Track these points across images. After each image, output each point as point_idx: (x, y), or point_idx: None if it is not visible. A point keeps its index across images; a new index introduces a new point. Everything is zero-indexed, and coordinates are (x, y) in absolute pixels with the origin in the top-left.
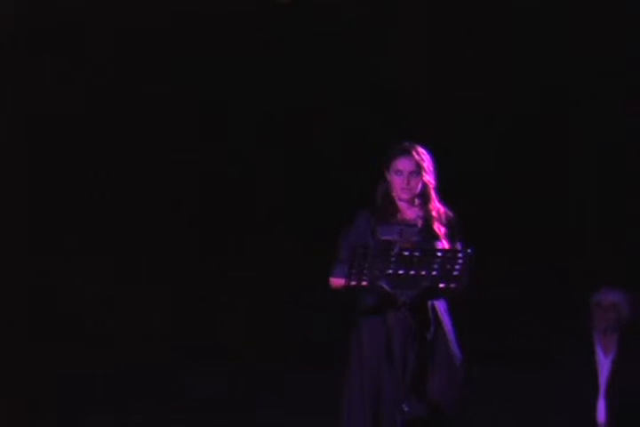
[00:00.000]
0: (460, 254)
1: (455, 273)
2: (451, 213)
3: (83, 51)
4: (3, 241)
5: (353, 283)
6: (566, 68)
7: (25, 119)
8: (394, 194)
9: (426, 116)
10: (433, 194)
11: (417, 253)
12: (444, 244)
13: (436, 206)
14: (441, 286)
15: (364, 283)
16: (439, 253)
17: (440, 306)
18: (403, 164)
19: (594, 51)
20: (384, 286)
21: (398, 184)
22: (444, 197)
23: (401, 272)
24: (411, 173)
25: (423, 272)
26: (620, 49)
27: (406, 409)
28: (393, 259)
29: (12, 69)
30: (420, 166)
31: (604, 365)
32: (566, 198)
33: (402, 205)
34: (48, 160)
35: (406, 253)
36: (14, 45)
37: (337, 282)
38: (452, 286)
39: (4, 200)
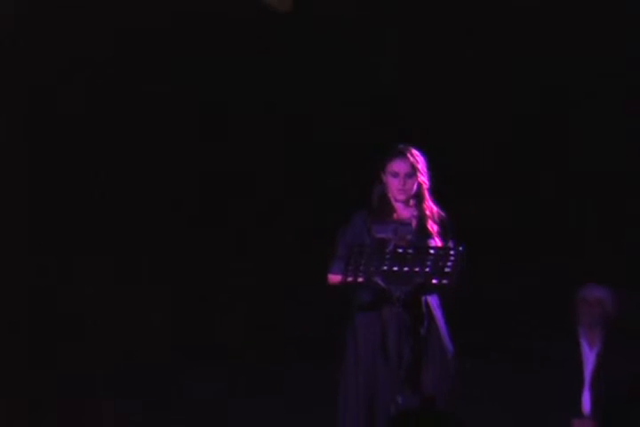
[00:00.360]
0: (451, 252)
1: (447, 270)
2: (443, 213)
3: (83, 51)
4: (3, 241)
5: (350, 279)
6: (566, 69)
7: (25, 119)
8: (390, 195)
9: (425, 116)
10: (427, 194)
11: (411, 251)
12: (436, 241)
13: (430, 206)
14: (434, 282)
15: (361, 279)
16: (432, 251)
17: (433, 301)
18: (399, 166)
19: (594, 51)
20: (379, 282)
21: (395, 186)
22: (447, 196)
23: (395, 269)
24: (406, 174)
25: (417, 269)
26: (620, 49)
27: (400, 401)
28: (388, 256)
29: (11, 69)
30: (415, 168)
31: (589, 358)
32: (566, 198)
33: (397, 205)
34: (48, 160)
35: (400, 251)
36: (14, 45)
37: (335, 278)
38: (444, 282)
39: (3, 200)
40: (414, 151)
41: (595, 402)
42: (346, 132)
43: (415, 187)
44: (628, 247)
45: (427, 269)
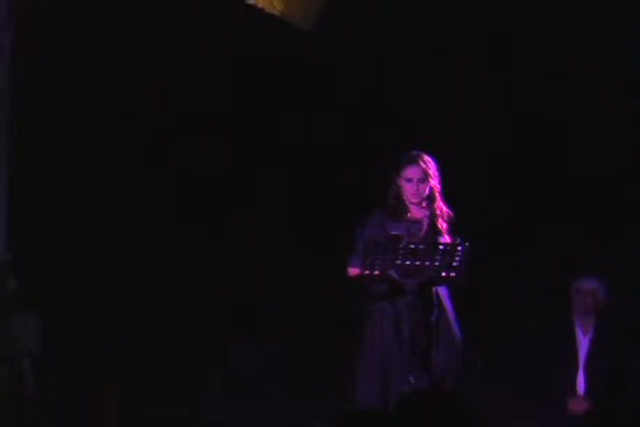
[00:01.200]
0: (459, 247)
1: (455, 264)
2: (451, 213)
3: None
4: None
5: (367, 272)
6: (566, 69)
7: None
8: (404, 197)
9: (428, 117)
10: (438, 196)
11: (422, 246)
12: (445, 238)
13: (440, 206)
14: (442, 274)
15: (376, 272)
16: (441, 246)
17: (442, 292)
18: (412, 172)
19: (594, 49)
20: (393, 274)
21: (409, 190)
22: (457, 199)
23: (408, 263)
24: (419, 180)
25: (427, 263)
26: (620, 48)
27: (412, 381)
28: (401, 251)
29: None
30: (426, 174)
31: (582, 343)
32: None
33: (411, 206)
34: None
35: (412, 246)
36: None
37: (354, 271)
38: (452, 274)
39: None
40: (426, 158)
41: (589, 383)
42: (348, 134)
43: (427, 190)
44: (629, 246)
45: (436, 263)
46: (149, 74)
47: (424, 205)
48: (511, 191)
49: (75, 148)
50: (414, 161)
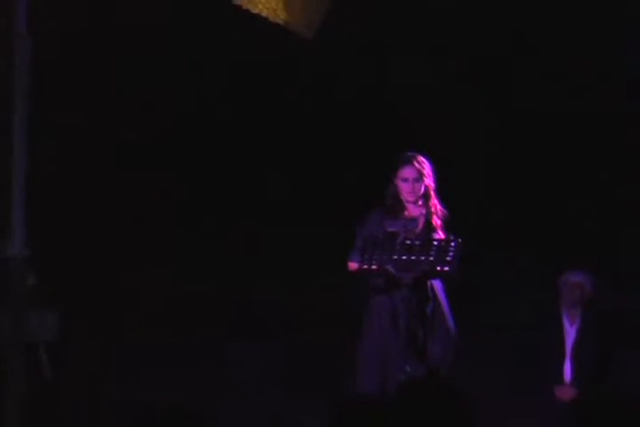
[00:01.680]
0: (452, 243)
1: (448, 258)
2: (445, 210)
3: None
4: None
5: (365, 267)
6: (566, 69)
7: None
8: (401, 196)
9: (427, 117)
10: (432, 194)
11: (417, 242)
12: (440, 234)
13: (435, 204)
14: (437, 268)
15: (374, 266)
16: (435, 242)
17: (437, 285)
18: (407, 172)
19: (594, 49)
20: (390, 269)
21: (405, 189)
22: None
23: (404, 258)
24: (414, 179)
25: (422, 258)
26: (620, 48)
27: (408, 370)
28: (398, 247)
29: None
30: (421, 173)
31: (569, 333)
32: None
33: (408, 204)
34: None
35: (408, 242)
36: None
37: (353, 266)
38: (446, 269)
39: None
40: (420, 158)
41: (575, 371)
42: (349, 135)
43: (422, 189)
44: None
45: (431, 258)
46: (152, 75)
47: (420, 203)
48: (510, 191)
49: (85, 149)
50: (409, 162)
